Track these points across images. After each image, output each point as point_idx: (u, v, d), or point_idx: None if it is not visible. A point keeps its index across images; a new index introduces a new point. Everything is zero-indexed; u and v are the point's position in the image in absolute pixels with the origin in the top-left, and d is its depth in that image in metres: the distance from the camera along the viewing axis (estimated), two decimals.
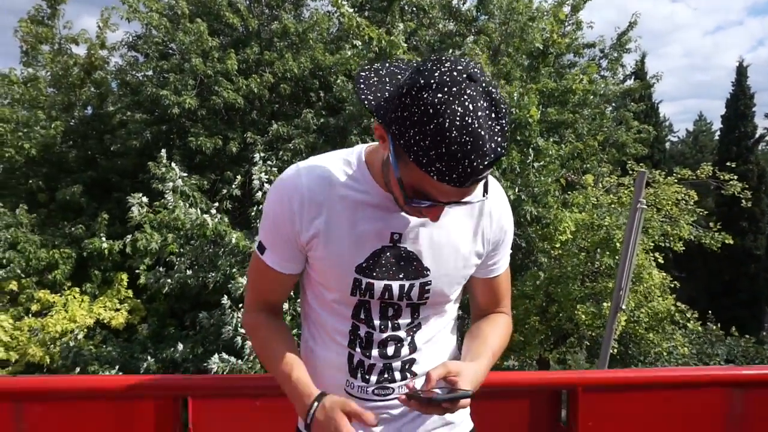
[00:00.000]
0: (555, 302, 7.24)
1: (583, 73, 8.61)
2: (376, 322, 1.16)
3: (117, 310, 9.86)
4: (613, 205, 7.78)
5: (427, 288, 1.16)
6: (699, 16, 72.09)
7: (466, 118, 0.88)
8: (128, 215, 6.67)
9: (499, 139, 0.92)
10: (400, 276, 1.13)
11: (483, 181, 1.01)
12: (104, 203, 11.22)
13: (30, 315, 9.31)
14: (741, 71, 19.49)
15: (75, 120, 11.27)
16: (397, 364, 1.20)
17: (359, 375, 1.20)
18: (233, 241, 6.34)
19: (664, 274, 7.36)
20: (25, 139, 10.06)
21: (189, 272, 7.34)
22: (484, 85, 0.91)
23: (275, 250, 1.17)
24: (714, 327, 9.67)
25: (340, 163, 1.16)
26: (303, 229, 1.13)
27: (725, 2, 69.24)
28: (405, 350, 1.20)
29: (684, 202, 8.13)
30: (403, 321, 1.17)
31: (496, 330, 1.25)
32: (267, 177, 7.35)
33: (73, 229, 10.49)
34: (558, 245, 7.09)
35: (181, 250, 6.68)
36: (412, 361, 1.22)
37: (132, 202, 6.56)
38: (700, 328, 7.46)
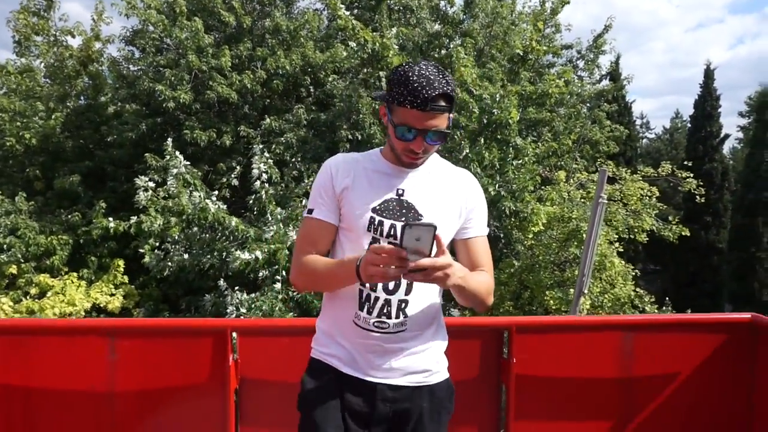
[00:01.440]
0: (527, 289, 7.86)
1: (559, 77, 9.20)
2: None
3: (112, 294, 10.28)
4: (582, 200, 8.42)
5: None
6: (681, 13, 73.53)
7: (421, 70, 1.48)
8: (135, 198, 7.08)
9: (445, 82, 1.48)
10: (402, 219, 1.58)
11: (446, 116, 1.51)
12: (99, 192, 11.58)
13: (28, 297, 9.69)
14: (708, 74, 20.44)
15: (69, 111, 11.56)
16: (394, 300, 1.57)
17: (365, 308, 1.58)
18: (233, 224, 6.81)
19: (624, 262, 8.04)
20: (23, 129, 10.37)
21: (186, 256, 7.80)
22: (434, 63, 1.52)
23: (320, 207, 1.62)
24: (671, 311, 10.40)
25: (362, 154, 1.72)
26: (338, 184, 1.61)
27: (707, 0, 70.61)
28: (402, 288, 1.57)
29: (647, 197, 8.82)
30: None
31: (476, 273, 1.64)
32: (266, 168, 7.84)
33: (69, 216, 10.85)
34: (531, 236, 7.71)
35: (183, 234, 7.12)
36: (406, 303, 1.59)
37: (139, 185, 6.98)
38: (656, 311, 8.11)
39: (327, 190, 1.62)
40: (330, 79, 9.78)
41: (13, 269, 9.79)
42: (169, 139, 7.81)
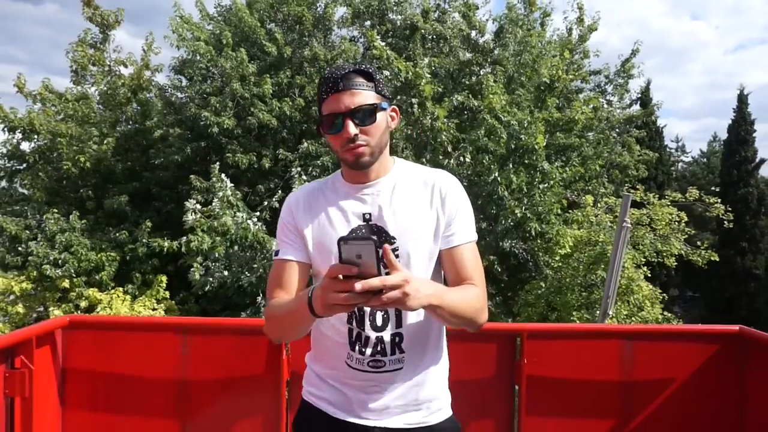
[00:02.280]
0: (555, 310, 8.02)
1: (586, 103, 9.46)
2: None
3: (155, 309, 10.84)
4: (610, 224, 8.57)
5: (396, 253, 1.39)
6: (720, 35, 72.50)
7: (333, 67, 1.44)
8: (183, 219, 7.59)
9: (356, 64, 1.42)
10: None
11: (370, 93, 1.39)
12: (145, 212, 12.29)
13: (79, 311, 10.31)
14: (742, 99, 20.53)
15: (119, 135, 12.37)
16: (387, 337, 1.42)
17: (357, 348, 1.42)
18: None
19: (651, 286, 8.12)
20: (79, 153, 11.15)
21: (225, 273, 8.28)
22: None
23: (286, 246, 1.47)
24: None
25: (323, 181, 1.58)
26: (300, 221, 1.47)
27: (748, 20, 69.57)
28: (392, 322, 1.42)
29: (676, 222, 8.90)
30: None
31: (459, 288, 1.42)
32: None
33: (117, 234, 11.54)
34: (558, 258, 7.90)
35: (226, 252, 7.59)
36: (400, 337, 1.43)
37: (188, 207, 7.51)
38: None
39: (290, 229, 1.49)
40: None
41: (66, 283, 10.46)
42: (216, 163, 8.34)
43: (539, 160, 8.67)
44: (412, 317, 1.43)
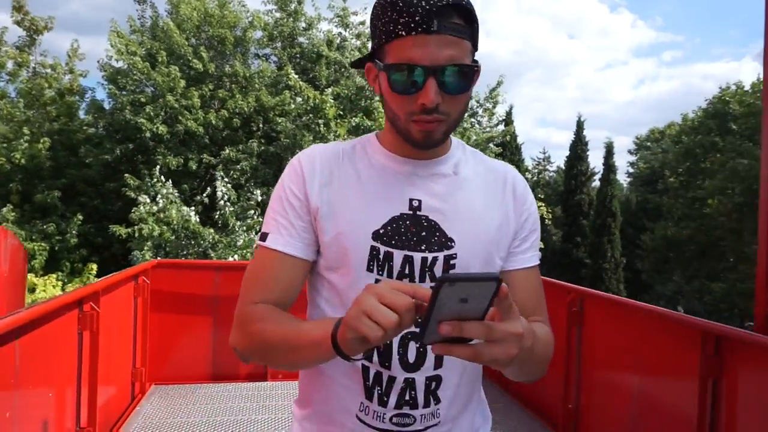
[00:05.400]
0: None
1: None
2: None
3: None
4: None
5: (452, 263, 0.93)
6: (592, 54, 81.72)
7: None
8: (134, 211, 9.24)
9: None
10: (422, 247, 0.92)
11: (467, 46, 0.85)
12: (70, 206, 13.42)
13: None
14: (579, 124, 26.15)
15: (46, 134, 13.38)
16: (420, 379, 0.93)
17: (375, 395, 0.93)
18: (209, 234, 9.19)
19: None
20: (11, 151, 12.16)
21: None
22: None
23: (280, 230, 0.94)
24: None
25: (352, 143, 1.02)
26: (314, 191, 0.94)
27: (614, 43, 79.13)
28: (429, 360, 0.93)
29: None
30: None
31: (537, 327, 0.89)
32: (226, 190, 10.26)
33: (45, 226, 12.65)
34: None
35: (171, 239, 9.36)
36: (438, 381, 0.94)
37: (140, 201, 9.18)
38: None
39: (296, 204, 0.95)
40: (279, 120, 12.30)
41: None
42: (157, 166, 10.06)
43: None
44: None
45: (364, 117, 11.89)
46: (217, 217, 10.19)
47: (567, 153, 26.12)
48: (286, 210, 0.95)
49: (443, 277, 0.61)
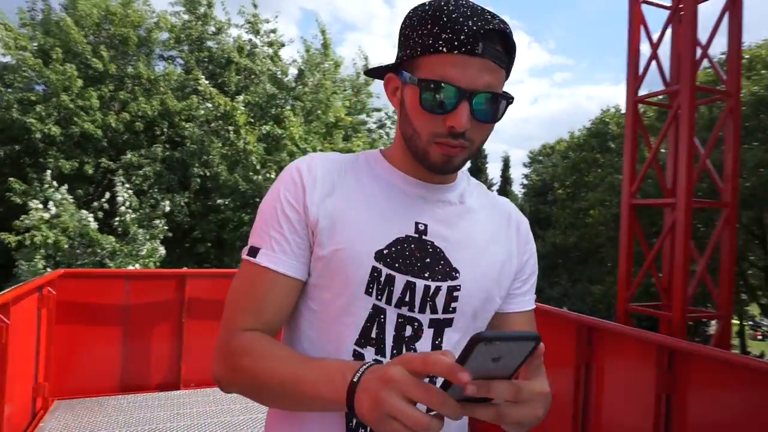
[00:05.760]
0: None
1: (364, 139, 12.69)
2: (389, 345, 0.84)
3: None
4: None
5: (455, 295, 0.86)
6: None
7: (459, 2, 0.79)
8: (22, 218, 8.64)
9: (501, 20, 0.80)
10: (426, 274, 0.85)
11: (503, 75, 0.81)
12: None
13: None
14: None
15: None
16: None
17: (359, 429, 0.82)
18: (110, 240, 8.80)
19: None
20: None
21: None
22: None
23: (273, 246, 0.85)
24: None
25: (355, 156, 0.94)
26: (314, 203, 0.85)
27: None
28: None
29: None
30: (421, 347, 0.85)
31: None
32: (127, 196, 9.88)
33: None
34: None
35: (66, 245, 8.85)
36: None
37: (31, 207, 8.59)
38: None
39: (291, 215, 0.86)
40: (186, 125, 12.01)
41: None
42: (48, 171, 9.47)
43: None
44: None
45: (275, 125, 11.95)
46: (116, 224, 9.77)
47: (467, 165, 27.71)
48: (280, 223, 0.86)
49: (480, 335, 0.55)
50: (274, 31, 14.07)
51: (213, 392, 4.33)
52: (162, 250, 8.98)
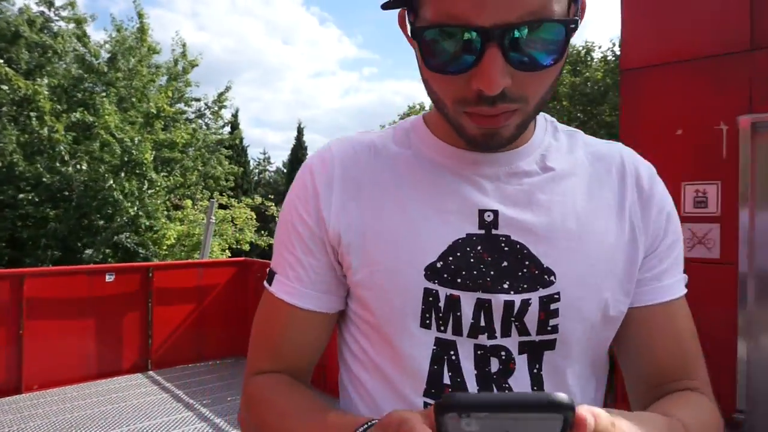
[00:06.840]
0: None
1: (185, 130, 12.39)
2: (473, 389, 0.63)
3: None
4: (203, 221, 11.75)
5: (553, 307, 0.63)
6: (304, 61, 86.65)
7: None
8: None
9: None
10: (504, 285, 0.63)
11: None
12: None
13: None
14: (300, 129, 28.96)
15: None
16: None
17: None
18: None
19: None
20: None
21: None
22: None
23: (289, 270, 0.69)
24: None
25: (390, 131, 0.73)
26: (331, 211, 0.67)
27: (323, 53, 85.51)
28: None
29: (249, 219, 12.85)
30: (517, 385, 0.64)
31: (695, 413, 0.62)
32: None
33: None
34: (165, 247, 10.52)
35: None
36: None
37: None
38: None
39: (303, 231, 0.69)
40: None
41: None
42: None
43: (148, 170, 11.06)
44: None
45: (85, 112, 11.03)
46: None
47: (285, 153, 28.15)
48: (293, 242, 0.69)
49: (448, 400, 0.37)
50: (72, 4, 12.79)
51: (59, 391, 4.24)
52: None
